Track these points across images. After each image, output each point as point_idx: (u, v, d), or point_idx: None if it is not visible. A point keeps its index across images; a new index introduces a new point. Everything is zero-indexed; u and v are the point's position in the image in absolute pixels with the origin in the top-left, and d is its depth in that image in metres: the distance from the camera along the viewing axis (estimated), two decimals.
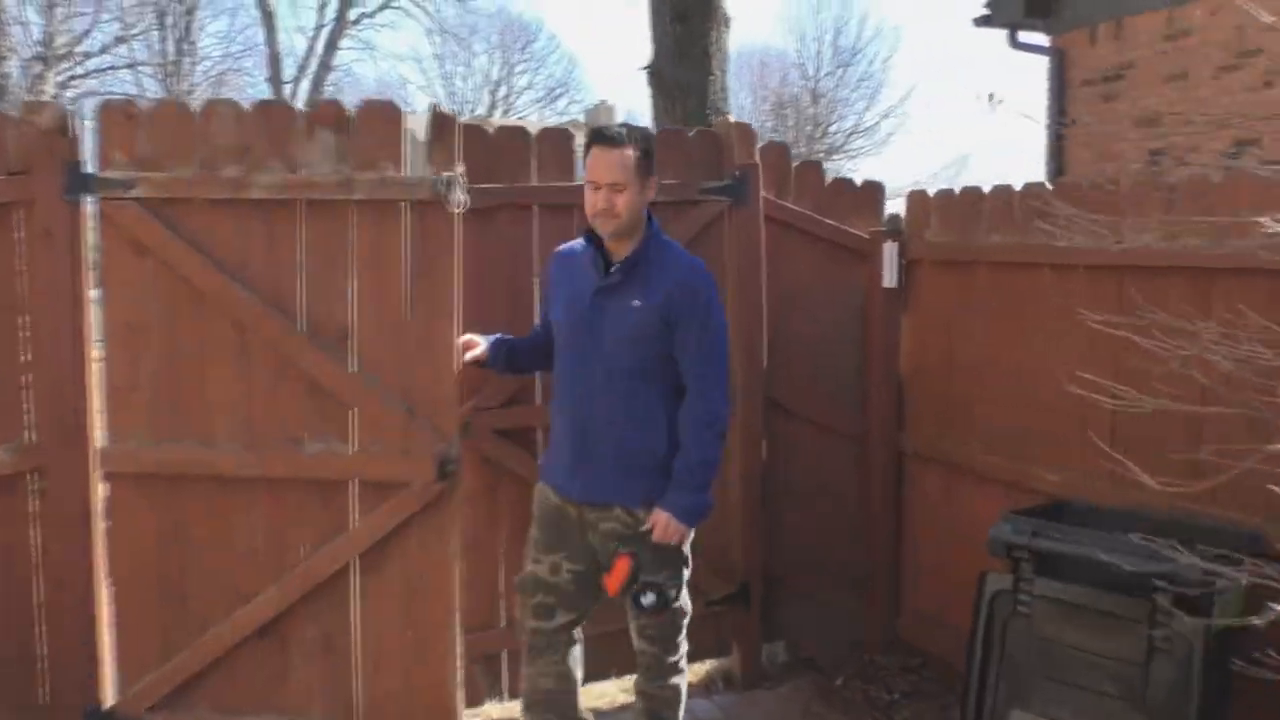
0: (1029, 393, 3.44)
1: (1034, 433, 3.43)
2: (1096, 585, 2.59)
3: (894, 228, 3.99)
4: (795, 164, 3.83)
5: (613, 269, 2.73)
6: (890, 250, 3.85)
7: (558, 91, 32.67)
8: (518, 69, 50.01)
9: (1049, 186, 3.33)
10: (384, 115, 3.03)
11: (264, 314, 2.98)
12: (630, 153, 2.64)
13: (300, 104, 37.65)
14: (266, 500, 3.06)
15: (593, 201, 2.66)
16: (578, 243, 2.86)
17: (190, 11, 37.62)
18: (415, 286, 3.02)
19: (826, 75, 44.54)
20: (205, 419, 3.01)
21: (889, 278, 3.87)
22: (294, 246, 3.01)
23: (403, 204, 3.00)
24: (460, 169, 3.00)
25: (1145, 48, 8.23)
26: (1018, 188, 3.46)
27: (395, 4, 41.54)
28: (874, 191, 3.99)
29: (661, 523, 2.66)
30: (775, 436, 3.84)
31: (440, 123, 3.02)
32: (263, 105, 3.17)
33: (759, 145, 3.71)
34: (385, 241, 3.02)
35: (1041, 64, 9.14)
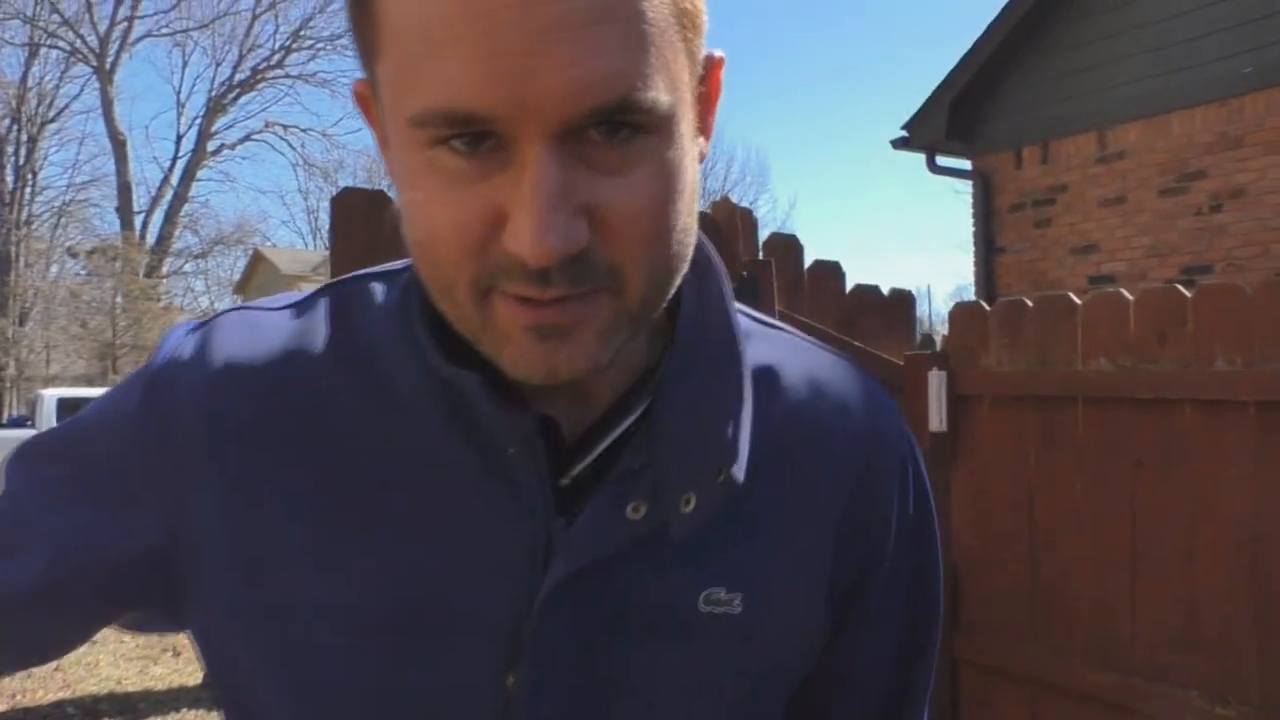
0: (1165, 582, 2.41)
1: (1183, 639, 2.38)
2: None
3: (927, 348, 3.00)
4: (808, 265, 2.81)
5: (585, 464, 0.58)
6: (937, 382, 2.82)
7: None
8: None
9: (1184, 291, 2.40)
10: None
11: None
12: None
13: (151, 236, 36.06)
14: None
15: (481, 222, 0.49)
16: (320, 368, 0.60)
17: (34, 139, 35.72)
18: None
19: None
20: None
21: (936, 419, 2.84)
22: None
23: None
24: None
25: (1076, 171, 7.78)
26: (1131, 294, 2.50)
27: (258, 137, 40.48)
28: (904, 303, 2.99)
29: None
30: None
31: None
32: None
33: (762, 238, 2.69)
34: None
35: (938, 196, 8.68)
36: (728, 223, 2.55)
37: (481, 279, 0.49)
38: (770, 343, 0.66)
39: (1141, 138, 7.33)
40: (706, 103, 0.56)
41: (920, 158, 8.72)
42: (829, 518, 0.63)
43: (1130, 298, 2.49)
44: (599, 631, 0.56)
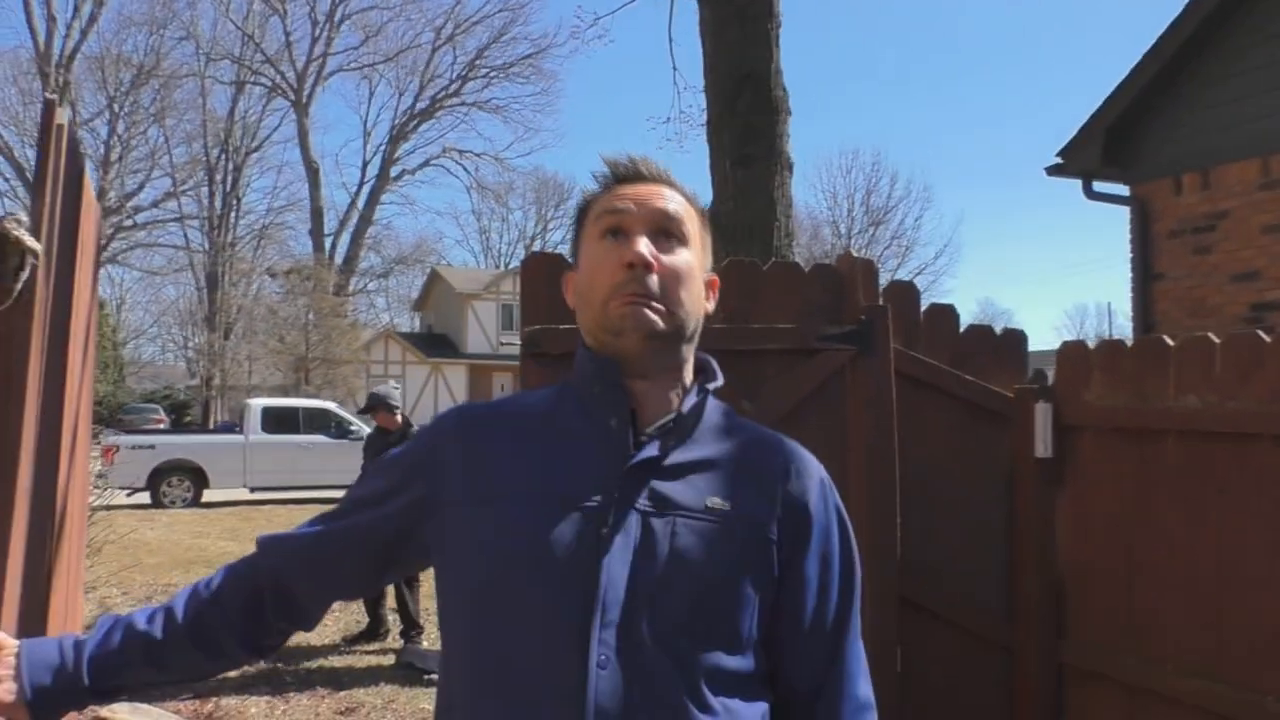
0: (1248, 601, 2.65)
1: (1266, 652, 2.62)
2: None
3: (1039, 383, 3.31)
4: (924, 307, 3.18)
5: (653, 430, 1.19)
6: (1043, 413, 3.14)
7: None
8: (551, 224, 51.09)
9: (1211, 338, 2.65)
10: None
11: None
12: (682, 199, 1.25)
13: (339, 256, 38.33)
14: None
15: (616, 259, 1.18)
16: (523, 397, 1.32)
17: (238, 168, 39.00)
18: None
19: (859, 233, 45.16)
20: None
21: (1041, 447, 3.15)
22: None
23: None
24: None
25: (1238, 197, 7.69)
26: (1218, 338, 2.77)
27: (436, 162, 42.85)
28: (1017, 341, 3.31)
29: None
30: (906, 645, 3.05)
31: None
32: None
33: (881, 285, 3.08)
34: None
35: (1111, 213, 8.65)
36: (849, 273, 2.95)
37: (611, 291, 1.16)
38: (730, 416, 1.27)
39: None
40: (709, 287, 1.26)
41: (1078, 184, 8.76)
42: (774, 486, 1.20)
43: (1216, 341, 2.75)
44: (652, 509, 1.13)
